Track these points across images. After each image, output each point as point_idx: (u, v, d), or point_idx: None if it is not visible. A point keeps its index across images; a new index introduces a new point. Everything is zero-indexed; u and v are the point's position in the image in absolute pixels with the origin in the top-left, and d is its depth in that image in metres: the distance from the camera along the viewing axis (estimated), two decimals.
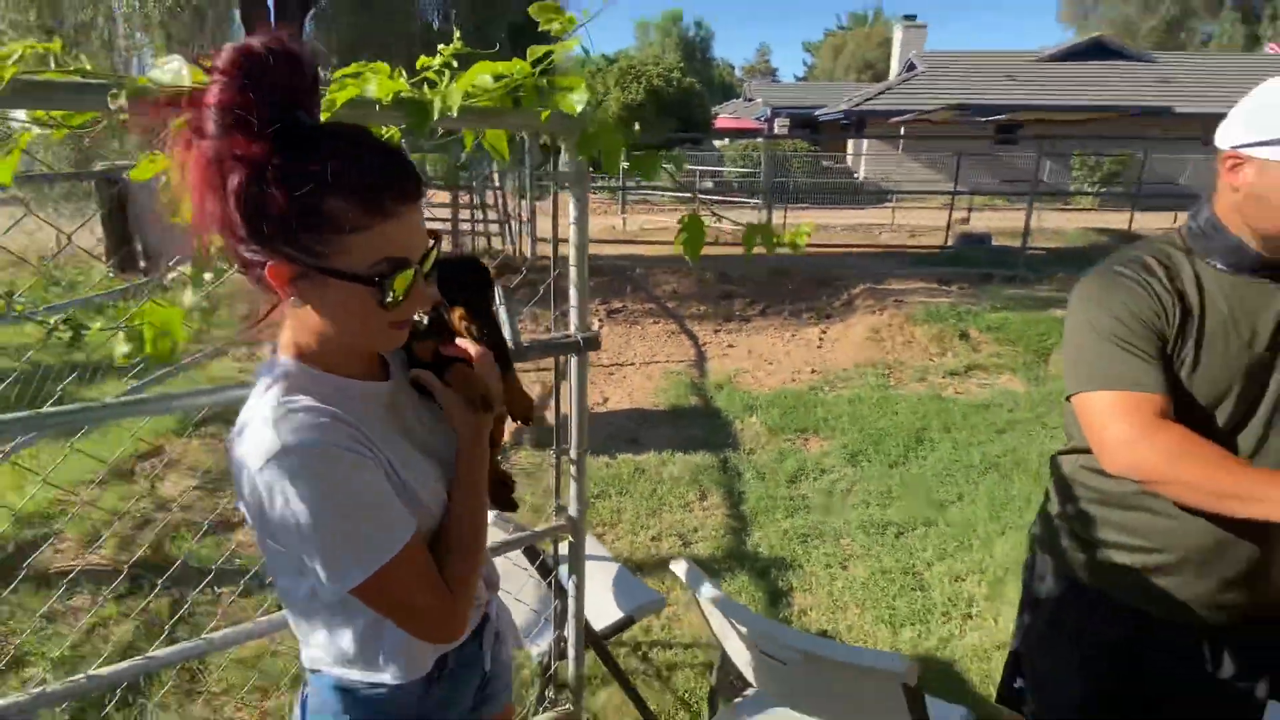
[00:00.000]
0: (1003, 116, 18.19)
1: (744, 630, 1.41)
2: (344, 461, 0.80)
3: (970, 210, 14.91)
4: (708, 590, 1.47)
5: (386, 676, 0.94)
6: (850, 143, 22.29)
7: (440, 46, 1.32)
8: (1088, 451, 1.30)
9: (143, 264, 3.40)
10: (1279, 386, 1.18)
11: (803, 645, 1.32)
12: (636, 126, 1.42)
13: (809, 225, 1.52)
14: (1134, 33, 33.77)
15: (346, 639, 0.93)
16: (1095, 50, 22.04)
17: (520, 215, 7.63)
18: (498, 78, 1.26)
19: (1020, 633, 1.55)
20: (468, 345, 1.03)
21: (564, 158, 1.56)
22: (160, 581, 1.80)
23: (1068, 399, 1.30)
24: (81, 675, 1.39)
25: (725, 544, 3.27)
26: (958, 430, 4.55)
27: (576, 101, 1.34)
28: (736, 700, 1.77)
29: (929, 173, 19.12)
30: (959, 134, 18.31)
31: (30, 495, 3.10)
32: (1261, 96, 1.12)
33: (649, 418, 4.84)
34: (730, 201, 16.64)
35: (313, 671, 1.00)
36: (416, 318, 1.02)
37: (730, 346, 6.45)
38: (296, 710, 1.04)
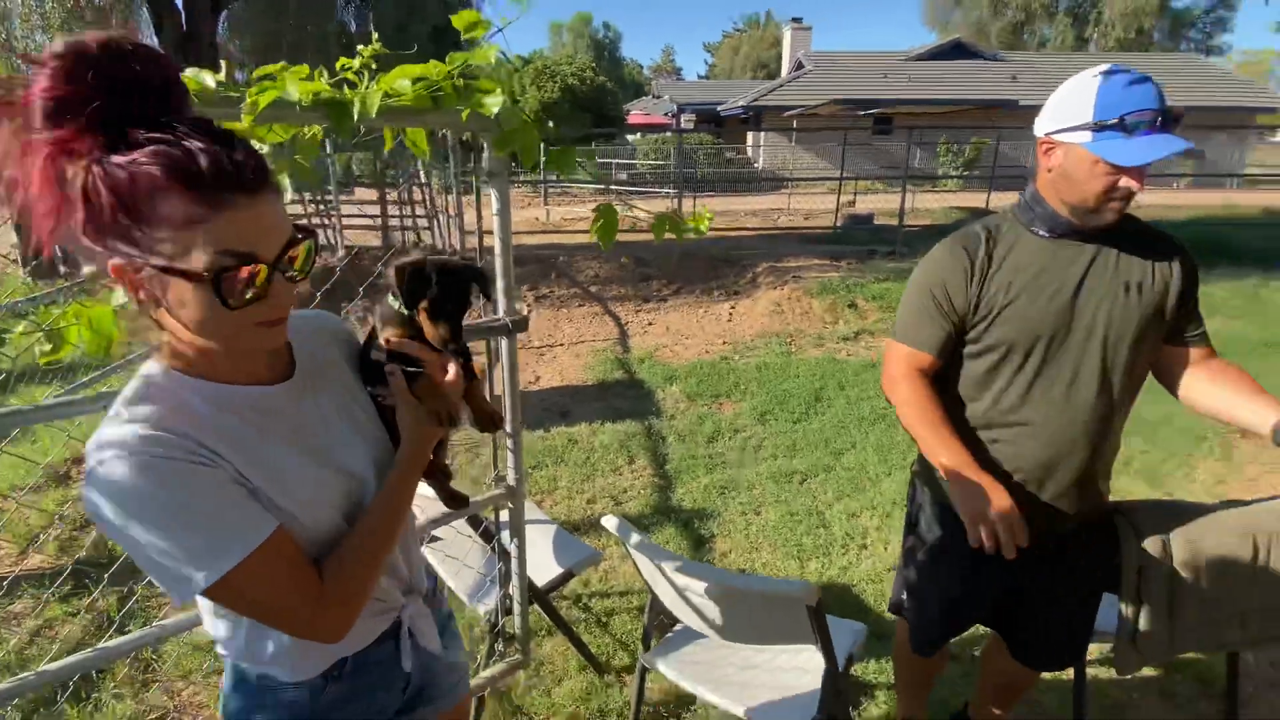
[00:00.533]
0: (878, 110, 18.85)
1: (668, 572, 1.46)
2: (167, 473, 0.71)
3: (855, 194, 15.43)
4: (636, 539, 1.51)
5: (275, 673, 0.89)
6: (749, 135, 22.59)
7: (360, 48, 1.28)
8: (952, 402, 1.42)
9: (62, 269, 3.12)
10: (1085, 327, 1.31)
11: (719, 580, 1.38)
12: (551, 124, 1.41)
13: (709, 213, 1.56)
14: (986, 33, 35.52)
15: (238, 634, 0.87)
16: (955, 51, 23.06)
17: (448, 209, 7.38)
18: (416, 80, 1.23)
19: (904, 551, 1.68)
20: (447, 361, 0.93)
21: (486, 154, 1.54)
22: (106, 576, 1.68)
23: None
24: (30, 672, 1.31)
25: (653, 501, 3.33)
26: (850, 388, 4.76)
27: (492, 104, 1.33)
28: (667, 635, 1.83)
29: (819, 161, 19.67)
30: (842, 125, 18.89)
31: None
32: (1064, 92, 1.24)
33: (579, 393, 4.84)
34: (644, 191, 16.62)
35: (227, 659, 0.93)
36: (398, 307, 0.94)
37: (650, 324, 6.50)
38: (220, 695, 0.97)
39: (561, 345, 6.00)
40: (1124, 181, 1.18)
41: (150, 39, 7.27)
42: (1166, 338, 1.38)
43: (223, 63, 1.25)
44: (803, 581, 1.33)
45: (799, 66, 23.25)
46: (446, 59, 1.28)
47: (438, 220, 7.61)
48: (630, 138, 22.27)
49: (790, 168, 19.47)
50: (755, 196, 17.04)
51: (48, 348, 1.11)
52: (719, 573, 1.40)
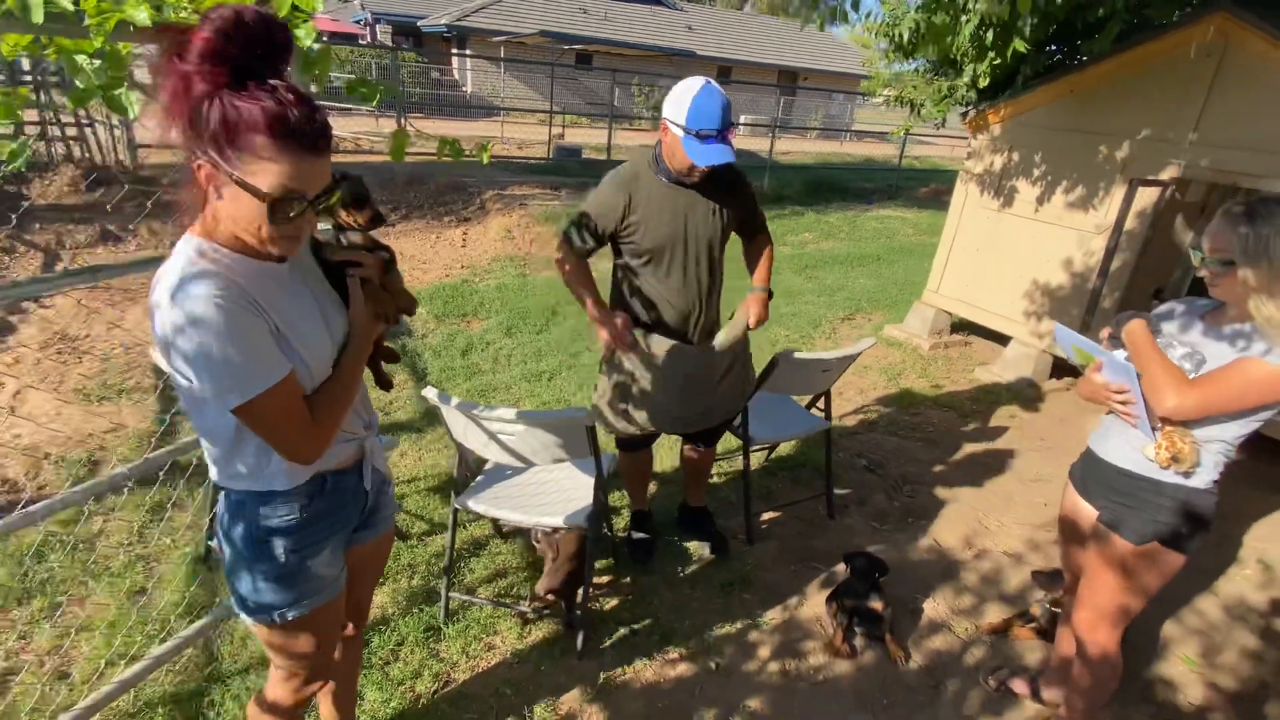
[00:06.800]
0: (580, 46, 19.61)
1: (483, 419, 1.91)
2: (229, 310, 0.94)
3: (564, 127, 16.12)
4: (454, 401, 1.92)
5: (276, 485, 1.12)
6: (455, 57, 21.65)
7: None
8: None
9: None
10: (691, 240, 2.06)
11: (525, 417, 1.88)
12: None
13: (491, 145, 1.94)
14: None
15: (244, 458, 1.09)
16: None
17: (107, 119, 6.07)
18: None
19: (610, 389, 2.35)
20: (380, 259, 1.21)
21: None
22: None
23: None
24: None
25: (419, 408, 3.63)
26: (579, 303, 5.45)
27: (306, 35, 1.53)
28: (472, 484, 2.29)
29: (528, 91, 19.84)
30: (549, 58, 19.29)
31: None
32: (679, 91, 1.88)
33: None
34: (343, 108, 15.08)
35: (222, 489, 1.15)
36: (332, 230, 1.18)
37: None
38: (218, 525, 1.18)
39: None
40: (697, 167, 1.91)
41: None
42: (743, 235, 2.23)
43: None
44: (584, 408, 1.90)
45: None
46: None
47: (93, 130, 6.24)
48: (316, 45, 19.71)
49: (501, 95, 19.32)
50: (467, 121, 16.68)
51: None
52: (525, 412, 1.88)
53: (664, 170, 2.00)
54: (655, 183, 2.02)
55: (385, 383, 1.40)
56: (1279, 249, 1.33)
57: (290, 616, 1.20)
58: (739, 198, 2.13)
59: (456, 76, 21.35)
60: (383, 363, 1.38)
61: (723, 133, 1.86)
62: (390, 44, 22.10)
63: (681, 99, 1.85)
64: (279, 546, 1.15)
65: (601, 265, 2.10)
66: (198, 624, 1.93)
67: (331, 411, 1.10)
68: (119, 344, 3.93)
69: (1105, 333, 1.67)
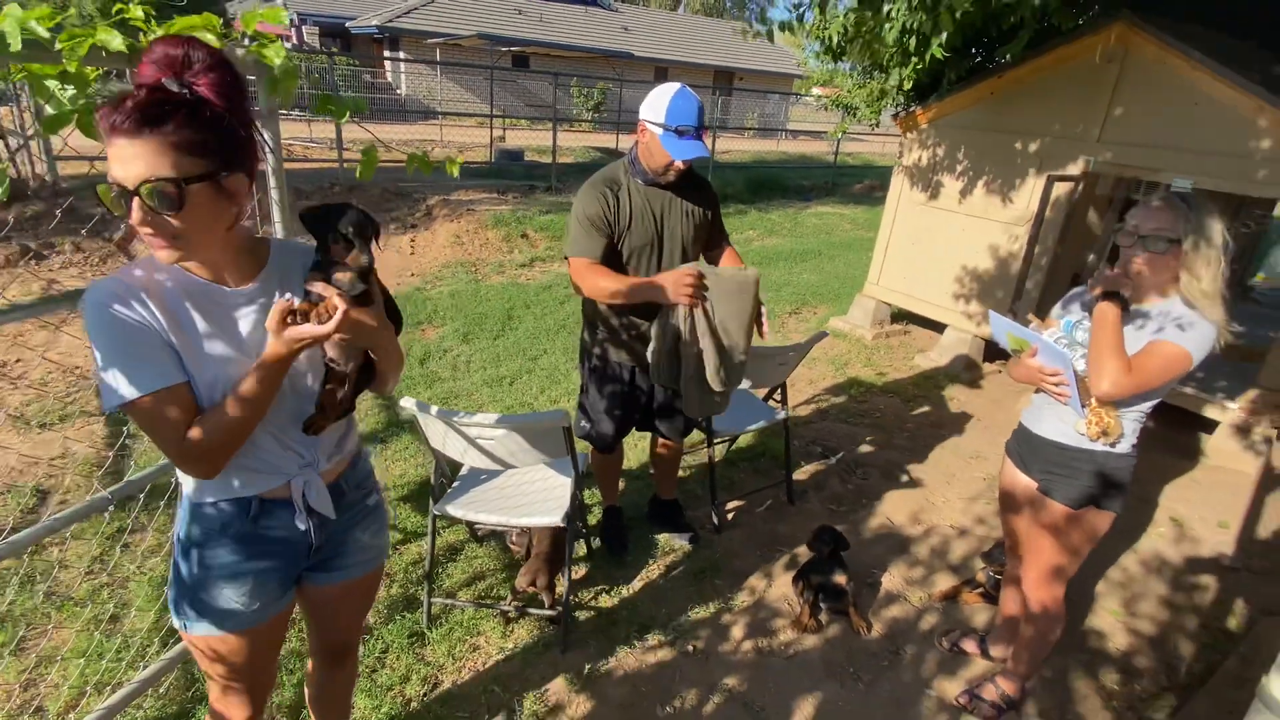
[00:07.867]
0: (517, 48, 19.44)
1: (463, 425, 1.95)
2: (119, 320, 0.96)
3: (505, 130, 15.96)
4: (434, 410, 1.95)
5: (194, 496, 1.13)
6: (388, 60, 21.13)
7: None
8: None
9: None
10: (668, 240, 2.16)
11: (502, 421, 1.93)
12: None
13: (460, 157, 1.98)
14: None
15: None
16: None
17: (19, 129, 5.70)
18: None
19: (581, 395, 2.46)
20: (334, 307, 1.01)
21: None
22: None
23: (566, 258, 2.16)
24: None
25: (383, 418, 3.61)
26: (535, 307, 5.48)
27: (274, 54, 1.56)
28: (449, 490, 2.32)
29: (465, 93, 19.54)
30: (485, 60, 19.05)
31: None
32: (656, 94, 1.99)
33: None
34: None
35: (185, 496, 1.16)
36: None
37: None
38: None
39: None
40: (675, 164, 2.00)
41: None
42: (711, 243, 2.30)
43: None
44: (561, 410, 1.96)
45: None
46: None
47: (6, 142, 5.85)
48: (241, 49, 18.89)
49: (438, 98, 18.97)
50: (403, 125, 16.28)
51: None
52: (505, 417, 1.93)
53: (640, 172, 2.08)
54: (633, 185, 2.10)
55: (309, 425, 1.15)
56: (1210, 228, 1.53)
57: (192, 629, 1.18)
58: (708, 203, 2.23)
59: (390, 79, 20.82)
60: (327, 405, 1.16)
61: (698, 130, 1.97)
62: (318, 46, 21.42)
63: (659, 100, 1.96)
64: (194, 556, 1.14)
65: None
66: (178, 647, 1.91)
67: (215, 435, 1.02)
68: (55, 367, 3.75)
69: (1032, 318, 1.85)
